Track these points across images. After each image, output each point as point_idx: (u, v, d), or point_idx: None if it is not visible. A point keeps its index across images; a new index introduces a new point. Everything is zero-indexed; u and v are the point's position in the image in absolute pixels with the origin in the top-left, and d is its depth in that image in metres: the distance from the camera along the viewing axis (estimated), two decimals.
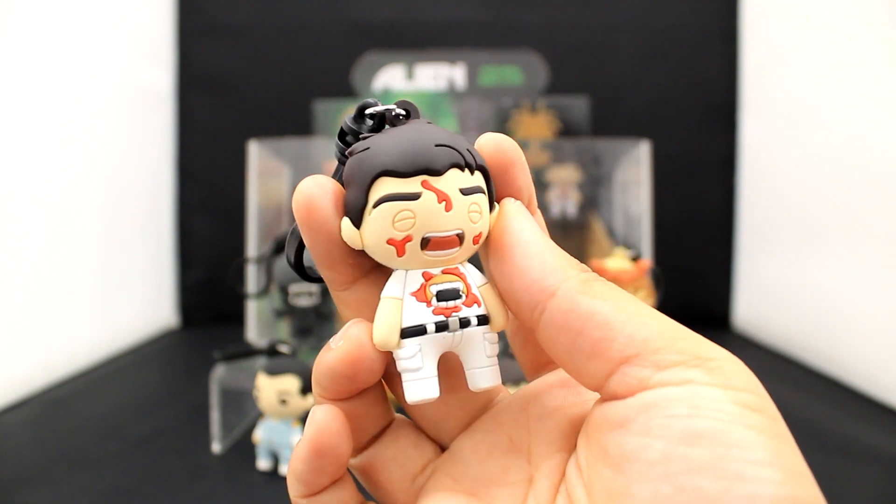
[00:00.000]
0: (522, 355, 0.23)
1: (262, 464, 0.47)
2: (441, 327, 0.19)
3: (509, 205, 0.20)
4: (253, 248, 0.64)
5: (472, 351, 0.20)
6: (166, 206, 0.94)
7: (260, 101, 0.94)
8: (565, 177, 0.76)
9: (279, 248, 0.52)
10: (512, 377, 0.49)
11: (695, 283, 0.92)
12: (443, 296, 0.19)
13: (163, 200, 0.93)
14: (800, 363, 0.76)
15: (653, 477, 0.16)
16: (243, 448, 0.50)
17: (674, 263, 0.70)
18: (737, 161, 0.93)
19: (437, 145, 0.19)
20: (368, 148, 0.19)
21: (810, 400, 0.63)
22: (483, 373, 0.20)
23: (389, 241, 0.19)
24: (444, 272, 0.20)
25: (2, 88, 0.61)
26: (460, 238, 0.19)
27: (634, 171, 0.69)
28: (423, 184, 0.18)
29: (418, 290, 0.19)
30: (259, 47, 0.94)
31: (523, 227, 0.19)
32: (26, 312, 0.64)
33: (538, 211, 0.22)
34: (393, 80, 0.83)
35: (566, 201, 0.76)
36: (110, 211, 0.79)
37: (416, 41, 0.89)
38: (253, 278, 0.61)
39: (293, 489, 0.20)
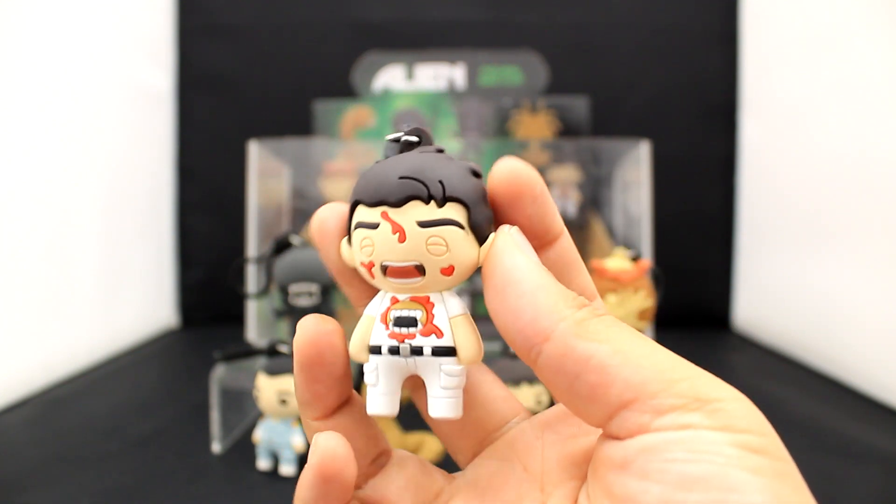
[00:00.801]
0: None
1: (262, 464, 0.47)
2: (393, 351, 0.20)
3: (501, 237, 0.20)
4: (253, 248, 0.64)
5: (430, 380, 0.21)
6: (166, 206, 0.94)
7: (260, 101, 0.94)
8: (565, 177, 0.76)
9: (279, 248, 0.52)
10: (512, 377, 0.49)
11: (695, 283, 0.92)
12: (399, 322, 0.20)
13: (163, 200, 0.93)
14: (800, 363, 0.76)
15: None
16: (243, 448, 0.50)
17: (674, 263, 0.70)
18: (737, 161, 0.93)
19: (400, 177, 0.19)
20: (364, 175, 0.20)
21: (810, 400, 0.63)
22: (437, 402, 0.20)
23: (361, 264, 0.20)
24: (411, 299, 0.20)
25: (2, 88, 0.61)
26: (419, 269, 0.19)
27: (634, 171, 0.69)
28: (382, 214, 0.19)
29: (384, 312, 0.20)
30: (259, 47, 0.94)
31: (515, 264, 0.19)
32: (26, 312, 0.64)
33: (564, 231, 0.21)
34: (393, 80, 0.82)
35: (566, 201, 0.76)
36: (110, 211, 0.79)
37: (416, 41, 0.89)
38: (253, 278, 0.61)
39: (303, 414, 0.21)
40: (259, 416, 0.47)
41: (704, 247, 0.94)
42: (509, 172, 0.20)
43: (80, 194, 0.73)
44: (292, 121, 0.86)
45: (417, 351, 0.20)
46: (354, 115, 0.82)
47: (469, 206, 0.20)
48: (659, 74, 0.93)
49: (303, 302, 0.51)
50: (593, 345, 0.17)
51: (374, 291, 0.21)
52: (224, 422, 0.50)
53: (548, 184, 0.84)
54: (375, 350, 0.20)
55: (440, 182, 0.19)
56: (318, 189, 0.74)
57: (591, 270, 0.53)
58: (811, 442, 0.52)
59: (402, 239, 0.19)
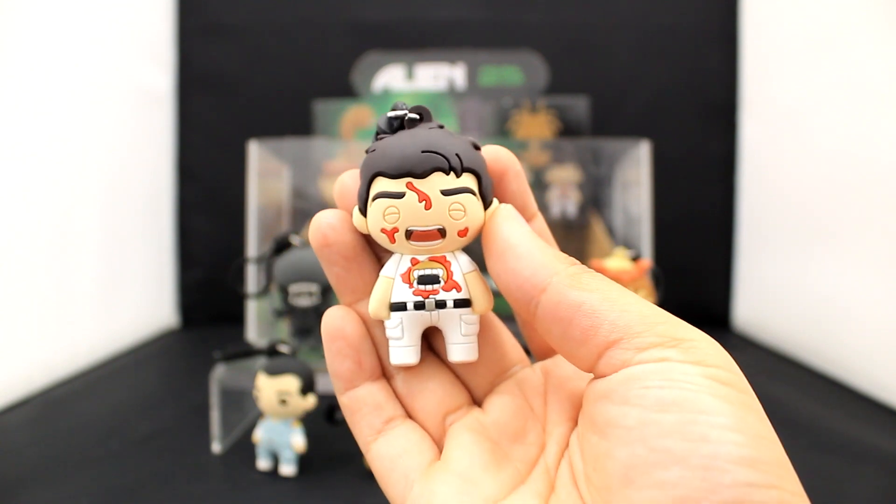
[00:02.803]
0: (531, 342, 0.26)
1: (262, 464, 0.47)
2: (419, 306, 0.23)
3: (500, 210, 0.23)
4: (253, 248, 0.64)
5: (450, 329, 0.23)
6: (166, 206, 0.94)
7: (260, 101, 0.94)
8: (565, 177, 0.76)
9: (279, 248, 0.52)
10: None
11: (695, 283, 0.92)
12: (423, 280, 0.23)
13: (163, 200, 0.93)
14: (800, 363, 0.76)
15: (630, 440, 0.18)
16: (243, 448, 0.50)
17: (674, 263, 0.70)
18: (737, 161, 0.93)
19: (423, 151, 0.21)
20: (375, 150, 0.22)
21: (810, 400, 0.63)
22: (459, 348, 0.23)
23: (382, 230, 0.22)
24: (430, 259, 0.23)
25: (1, 88, 0.61)
26: (441, 232, 0.22)
27: (634, 171, 0.69)
28: (408, 185, 0.21)
29: (405, 272, 0.23)
30: (259, 47, 0.94)
31: (513, 231, 0.22)
32: (26, 312, 0.64)
33: (538, 213, 0.25)
34: (393, 80, 0.82)
35: (566, 201, 0.76)
36: (110, 211, 0.79)
37: (416, 41, 0.89)
38: (253, 278, 0.61)
39: (335, 386, 0.24)
40: (259, 416, 0.47)
41: (704, 247, 0.94)
42: (494, 153, 0.24)
43: (80, 194, 0.73)
44: (292, 121, 0.86)
45: (441, 304, 0.23)
46: (354, 115, 0.82)
47: (480, 176, 0.22)
48: (659, 74, 0.93)
49: (303, 302, 0.51)
50: (584, 293, 0.20)
51: (365, 269, 0.24)
52: (224, 422, 0.50)
53: (548, 184, 0.84)
54: (399, 307, 0.23)
55: (457, 155, 0.22)
56: (318, 189, 0.74)
57: None
58: (811, 442, 0.52)
59: (429, 206, 0.21)
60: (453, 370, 0.25)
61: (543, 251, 0.21)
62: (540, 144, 0.77)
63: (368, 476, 0.46)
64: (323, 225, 0.23)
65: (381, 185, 0.22)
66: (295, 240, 0.52)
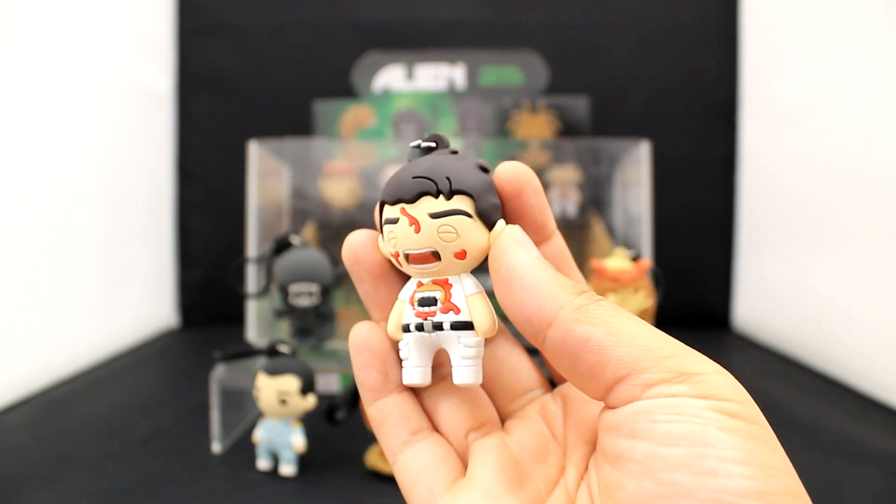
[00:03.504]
0: (547, 365, 0.26)
1: (262, 464, 0.47)
2: (419, 327, 0.23)
3: (505, 234, 0.22)
4: (253, 248, 0.64)
5: (452, 351, 0.23)
6: (166, 206, 0.94)
7: (260, 101, 0.94)
8: (565, 177, 0.76)
9: (279, 248, 0.52)
10: None
11: (695, 283, 0.92)
12: (422, 302, 0.23)
13: (163, 200, 0.93)
14: (800, 363, 0.76)
15: (638, 473, 0.18)
16: (243, 448, 0.50)
17: (674, 263, 0.70)
18: (737, 161, 0.93)
19: (413, 177, 0.22)
20: (389, 179, 0.23)
21: (810, 400, 0.63)
22: (459, 371, 0.23)
23: (391, 254, 0.23)
24: (432, 282, 0.23)
25: (1, 88, 0.61)
26: (435, 255, 0.22)
27: (634, 171, 0.69)
28: (401, 210, 0.22)
29: (411, 295, 0.24)
30: (259, 47, 0.94)
31: (518, 260, 0.21)
32: (26, 312, 0.64)
33: (556, 231, 0.25)
34: (393, 80, 0.82)
35: (566, 201, 0.76)
36: (110, 211, 0.79)
37: (416, 41, 0.89)
38: (253, 278, 0.61)
39: (363, 397, 0.25)
40: (259, 416, 0.47)
41: (704, 247, 0.94)
42: (512, 169, 0.23)
43: (80, 194, 0.73)
44: (292, 121, 0.85)
45: (438, 326, 0.23)
46: (354, 115, 0.82)
47: (475, 197, 0.22)
48: (659, 74, 0.93)
49: (303, 302, 0.51)
50: (590, 328, 0.19)
51: (392, 287, 0.25)
52: (224, 422, 0.50)
53: (548, 184, 0.84)
54: (406, 328, 0.24)
55: (447, 178, 0.22)
56: (318, 189, 0.74)
57: (591, 270, 0.54)
58: (811, 442, 0.52)
59: (417, 230, 0.22)
60: (477, 389, 0.25)
61: (549, 282, 0.21)
62: (540, 144, 0.77)
63: (368, 476, 0.46)
64: (354, 243, 0.25)
65: (385, 211, 0.23)
66: (295, 240, 0.52)
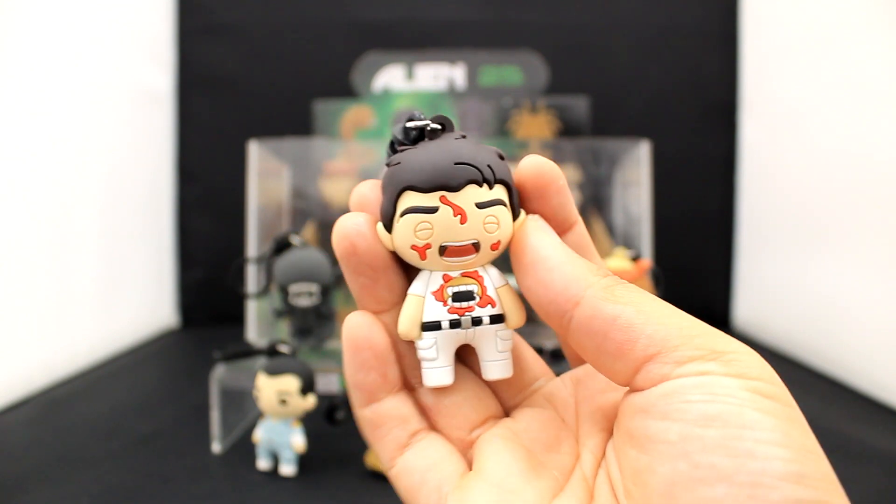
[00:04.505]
0: (565, 350, 0.25)
1: (262, 464, 0.47)
2: (454, 324, 0.22)
3: (529, 223, 0.22)
4: (253, 248, 0.64)
5: (485, 346, 0.23)
6: (166, 206, 0.94)
7: (260, 101, 0.94)
8: (565, 177, 0.76)
9: (279, 248, 0.52)
10: None
11: (695, 283, 0.92)
12: (458, 297, 0.22)
13: (163, 200, 0.93)
14: (800, 363, 0.76)
15: (672, 455, 0.17)
16: (243, 448, 0.50)
17: (674, 263, 0.70)
18: (737, 161, 0.93)
19: (456, 163, 0.21)
20: (399, 163, 0.21)
21: (810, 400, 0.63)
22: (495, 365, 0.23)
23: (413, 247, 0.21)
24: (462, 275, 0.22)
25: (1, 88, 0.61)
26: (476, 247, 0.21)
27: (634, 171, 0.69)
28: (441, 199, 0.21)
29: (438, 290, 0.22)
30: (259, 47, 0.94)
31: (542, 243, 0.21)
32: (26, 312, 0.64)
33: (579, 220, 0.24)
34: (393, 80, 0.82)
35: None
36: (110, 211, 0.79)
37: (416, 41, 0.89)
38: (253, 278, 0.61)
39: (355, 400, 0.23)
40: (259, 416, 0.47)
41: (704, 247, 0.94)
42: (537, 167, 0.22)
43: (79, 194, 0.73)
44: (292, 121, 0.85)
45: (477, 321, 0.22)
46: (354, 115, 0.82)
47: (510, 187, 0.22)
48: (659, 74, 0.93)
49: (303, 302, 0.51)
50: (619, 306, 0.19)
51: (394, 280, 0.23)
52: (224, 422, 0.50)
53: None
54: (433, 326, 0.22)
55: (489, 166, 0.21)
56: (318, 189, 0.74)
57: None
58: None
59: (464, 220, 0.21)
60: (479, 383, 0.24)
61: (575, 263, 0.21)
62: (540, 144, 0.77)
63: (368, 476, 0.46)
64: (351, 231, 0.21)
65: (410, 199, 0.21)
66: (295, 240, 0.52)
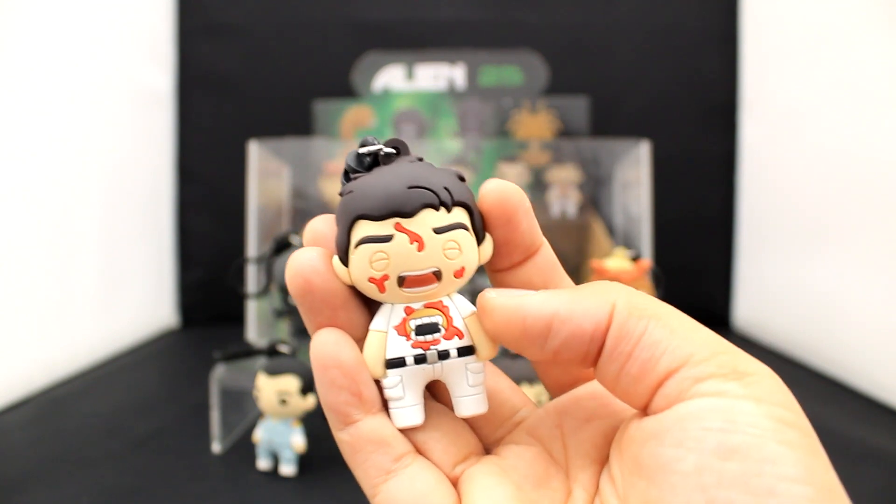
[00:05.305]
0: (546, 379, 0.23)
1: (262, 464, 0.47)
2: (420, 360, 0.20)
3: (495, 302, 0.20)
4: (253, 248, 0.64)
5: (456, 381, 0.21)
6: (166, 206, 0.94)
7: (260, 101, 0.94)
8: (565, 177, 0.76)
9: (279, 248, 0.52)
10: (512, 377, 0.48)
11: (695, 283, 0.92)
12: (421, 330, 0.20)
13: (163, 200, 0.93)
14: (800, 363, 0.76)
15: (686, 488, 0.16)
16: (243, 448, 0.50)
17: (674, 263, 0.70)
18: (737, 161, 0.93)
19: (409, 187, 0.19)
20: (352, 191, 0.20)
21: (810, 400, 0.63)
22: (468, 401, 0.21)
23: (370, 280, 0.20)
24: (425, 306, 0.21)
25: (1, 88, 0.61)
26: (437, 275, 0.20)
27: (634, 171, 0.69)
28: (396, 226, 0.19)
29: (400, 323, 0.21)
30: (259, 47, 0.94)
31: (532, 306, 0.19)
32: (26, 312, 0.64)
33: (544, 241, 0.22)
34: (393, 80, 0.83)
35: (566, 201, 0.76)
36: (110, 211, 0.79)
37: (416, 41, 0.89)
38: (253, 278, 0.61)
39: (330, 423, 0.21)
40: (259, 416, 0.47)
41: (704, 247, 0.94)
42: (500, 192, 0.20)
43: (80, 194, 0.73)
44: (292, 121, 0.86)
45: (444, 355, 0.21)
46: (354, 115, 0.82)
47: (471, 210, 0.20)
48: (659, 74, 0.93)
49: None
50: (643, 321, 0.18)
51: (355, 316, 0.21)
52: (224, 422, 0.50)
53: (548, 184, 0.84)
54: (398, 363, 0.20)
55: (446, 188, 0.20)
56: (318, 189, 0.74)
57: (591, 270, 0.54)
58: None
59: (421, 247, 0.19)
60: (454, 419, 0.23)
61: (580, 296, 0.19)
62: (540, 144, 0.77)
63: None
64: (305, 268, 0.20)
65: (364, 229, 0.19)
66: (295, 240, 0.52)
